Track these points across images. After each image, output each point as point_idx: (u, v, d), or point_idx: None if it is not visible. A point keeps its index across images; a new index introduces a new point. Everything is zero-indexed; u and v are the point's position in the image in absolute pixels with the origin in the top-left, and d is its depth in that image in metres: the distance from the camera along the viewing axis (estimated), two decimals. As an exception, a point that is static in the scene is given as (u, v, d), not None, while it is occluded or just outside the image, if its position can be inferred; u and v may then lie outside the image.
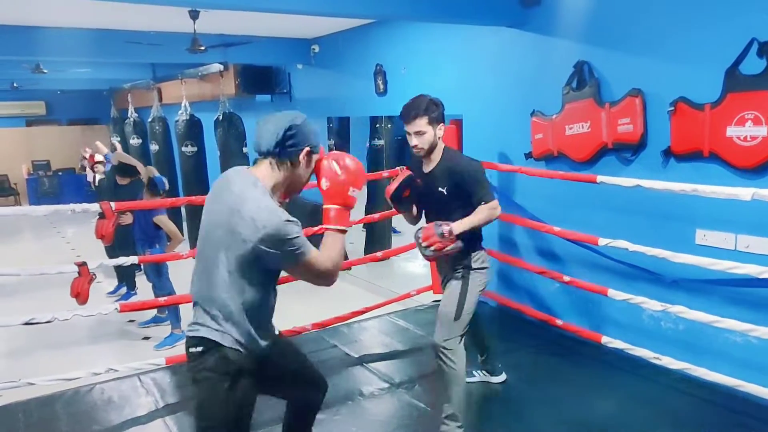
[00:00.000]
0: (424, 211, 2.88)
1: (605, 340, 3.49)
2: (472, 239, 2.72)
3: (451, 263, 2.75)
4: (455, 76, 4.67)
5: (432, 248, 2.57)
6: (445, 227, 2.56)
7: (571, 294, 3.93)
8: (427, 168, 2.76)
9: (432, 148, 2.69)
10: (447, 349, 2.62)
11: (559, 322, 3.82)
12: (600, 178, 3.35)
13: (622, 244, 3.25)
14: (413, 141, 2.65)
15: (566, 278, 3.72)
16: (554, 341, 3.80)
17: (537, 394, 3.18)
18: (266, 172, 1.80)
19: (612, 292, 3.39)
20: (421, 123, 2.61)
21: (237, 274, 1.72)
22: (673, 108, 3.12)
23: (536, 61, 4.00)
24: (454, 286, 2.72)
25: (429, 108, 2.62)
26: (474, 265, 2.74)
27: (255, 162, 1.84)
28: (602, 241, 3.37)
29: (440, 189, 2.68)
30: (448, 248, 2.58)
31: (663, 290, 3.29)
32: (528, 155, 4.07)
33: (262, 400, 1.94)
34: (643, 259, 3.24)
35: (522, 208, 4.13)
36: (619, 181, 3.26)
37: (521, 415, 3.01)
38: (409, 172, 2.78)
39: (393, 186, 2.75)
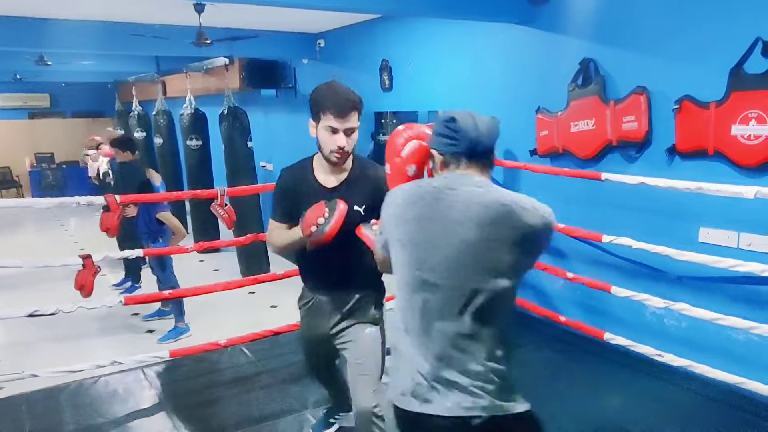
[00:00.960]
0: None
1: (608, 336, 3.49)
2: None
3: (359, 299, 2.21)
4: (461, 72, 4.67)
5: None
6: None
7: (575, 290, 3.94)
8: (334, 180, 2.14)
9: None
10: (379, 414, 2.08)
11: (562, 318, 3.83)
12: (605, 176, 3.35)
13: (625, 241, 3.26)
14: (341, 142, 2.01)
15: (570, 275, 3.73)
16: (557, 338, 3.81)
17: (540, 390, 3.18)
18: (485, 177, 1.53)
19: (615, 289, 3.39)
20: (355, 118, 2.02)
21: (508, 296, 1.45)
22: (678, 106, 3.12)
23: (542, 58, 4.00)
24: (372, 334, 2.19)
25: (360, 101, 2.04)
26: (384, 299, 2.29)
27: (463, 165, 1.52)
28: (606, 238, 3.37)
29: (356, 208, 2.09)
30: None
31: (666, 287, 3.30)
32: (533, 152, 4.07)
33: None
34: (646, 256, 3.25)
35: (526, 204, 4.13)
36: (623, 178, 3.26)
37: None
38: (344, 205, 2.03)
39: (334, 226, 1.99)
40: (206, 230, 6.98)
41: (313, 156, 2.19)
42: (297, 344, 2.42)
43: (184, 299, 4.49)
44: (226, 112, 6.39)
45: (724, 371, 2.96)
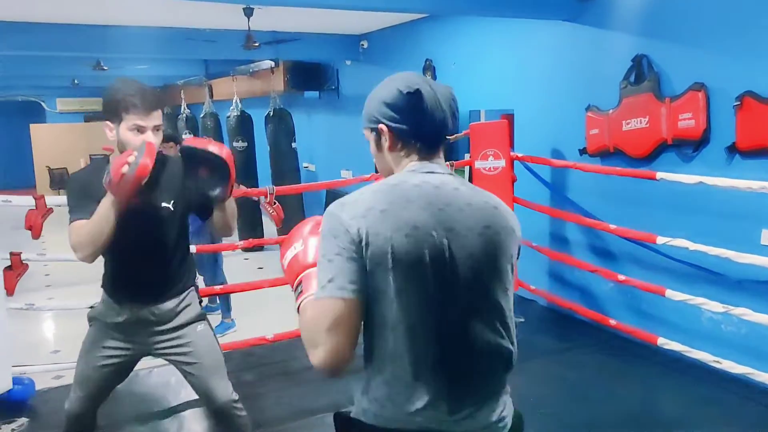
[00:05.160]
0: (115, 248, 1.93)
1: (661, 341, 3.38)
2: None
3: (184, 299, 2.14)
4: (507, 70, 4.62)
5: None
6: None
7: (626, 294, 3.84)
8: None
9: None
10: (236, 399, 2.16)
11: (612, 322, 3.74)
12: (660, 175, 3.26)
13: (681, 243, 3.15)
14: (150, 141, 1.88)
15: (621, 277, 3.63)
16: (607, 342, 3.73)
17: (595, 393, 3.14)
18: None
19: (670, 293, 3.29)
20: (160, 114, 1.95)
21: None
22: (739, 102, 3.01)
23: (592, 55, 3.92)
24: (205, 331, 2.18)
25: (164, 96, 1.91)
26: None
27: (434, 152, 1.27)
28: (660, 240, 3.27)
29: (164, 204, 2.01)
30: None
31: (724, 291, 3.18)
32: (582, 151, 3.99)
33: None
34: (703, 258, 3.14)
35: (575, 204, 4.05)
36: (680, 177, 3.16)
37: (584, 410, 2.99)
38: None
39: None
40: (251, 229, 7.09)
41: (106, 158, 2.02)
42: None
43: (230, 296, 4.57)
44: (271, 113, 6.49)
45: (787, 379, 2.84)
